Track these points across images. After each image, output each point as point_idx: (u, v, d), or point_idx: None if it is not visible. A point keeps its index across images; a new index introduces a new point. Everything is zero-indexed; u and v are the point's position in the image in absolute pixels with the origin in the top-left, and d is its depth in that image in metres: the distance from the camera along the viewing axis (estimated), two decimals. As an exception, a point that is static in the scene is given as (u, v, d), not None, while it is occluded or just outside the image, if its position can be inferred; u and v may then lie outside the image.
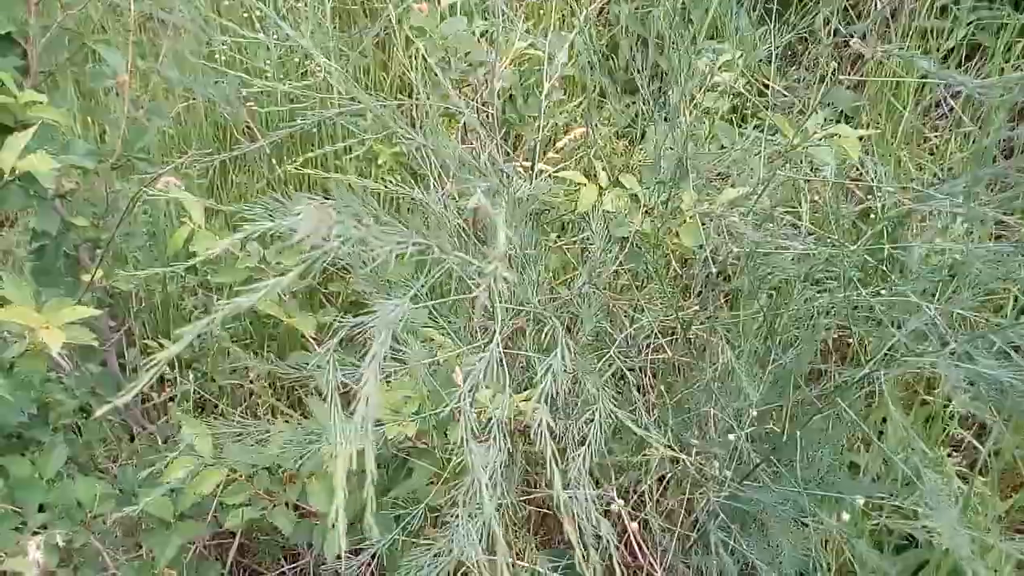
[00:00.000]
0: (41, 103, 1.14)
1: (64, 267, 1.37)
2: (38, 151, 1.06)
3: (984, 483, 1.57)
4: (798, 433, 1.23)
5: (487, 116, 1.43)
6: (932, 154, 2.27)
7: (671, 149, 1.27)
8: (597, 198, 1.27)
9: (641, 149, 2.02)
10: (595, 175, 1.33)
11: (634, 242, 1.29)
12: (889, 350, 1.75)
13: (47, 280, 1.33)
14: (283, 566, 1.58)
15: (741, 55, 1.56)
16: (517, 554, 1.45)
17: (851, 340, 1.97)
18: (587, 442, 0.79)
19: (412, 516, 1.28)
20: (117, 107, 1.42)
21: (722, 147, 1.61)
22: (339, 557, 1.54)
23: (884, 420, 1.73)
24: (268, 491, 1.20)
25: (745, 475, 1.28)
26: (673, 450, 1.18)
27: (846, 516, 1.22)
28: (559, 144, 1.63)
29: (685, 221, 1.27)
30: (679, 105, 1.48)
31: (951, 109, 2.21)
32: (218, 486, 1.17)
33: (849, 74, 2.34)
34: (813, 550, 1.41)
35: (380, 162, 1.88)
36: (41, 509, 1.12)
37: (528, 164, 1.50)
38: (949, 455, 1.67)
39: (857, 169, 2.05)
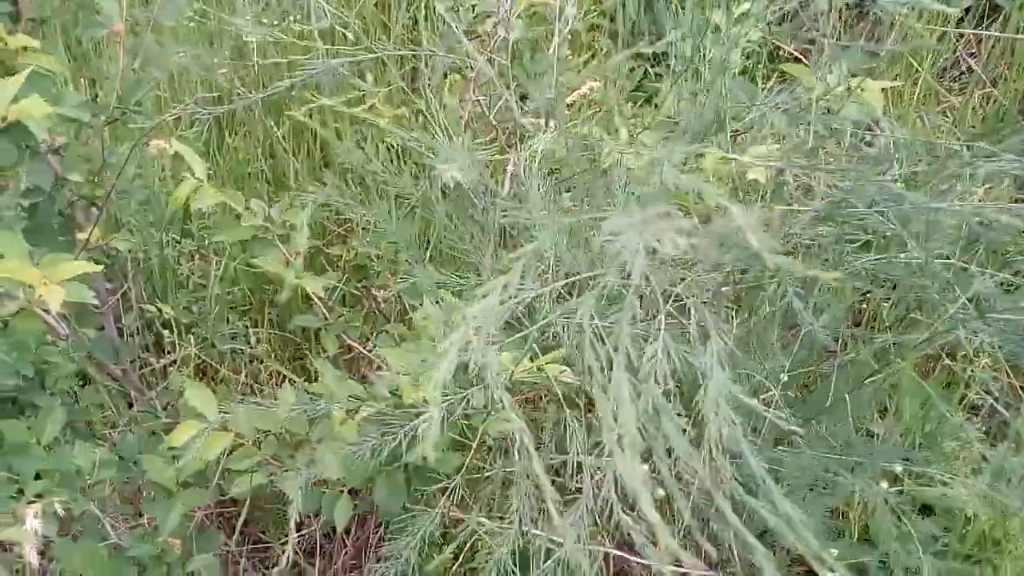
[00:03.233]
0: (35, 49, 1.07)
1: (58, 226, 1.31)
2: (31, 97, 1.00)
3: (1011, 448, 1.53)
4: (829, 395, 1.19)
5: (499, 68, 1.37)
6: (946, 115, 2.22)
7: (700, 101, 1.22)
8: (619, 155, 1.21)
9: (656, 107, 1.96)
10: (615, 131, 1.28)
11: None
12: (911, 316, 1.71)
13: (40, 240, 1.26)
14: (286, 534, 1.54)
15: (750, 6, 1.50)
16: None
17: (863, 307, 1.93)
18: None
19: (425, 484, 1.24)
20: (109, 64, 1.36)
21: (739, 103, 1.56)
22: (347, 531, 1.50)
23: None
24: (275, 457, 1.15)
25: (777, 439, 1.23)
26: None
27: (885, 484, 1.18)
28: (569, 99, 1.58)
29: (709, 179, 1.22)
30: (695, 57, 1.42)
31: (969, 69, 2.15)
32: (223, 452, 1.12)
33: (863, 35, 2.29)
34: (835, 516, 1.37)
35: (382, 124, 1.82)
36: (38, 477, 1.06)
37: (539, 120, 1.44)
38: (968, 419, 1.64)
39: (871, 131, 1.99)
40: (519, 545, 1.13)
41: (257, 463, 1.11)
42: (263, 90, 1.48)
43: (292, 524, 1.13)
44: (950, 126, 2.12)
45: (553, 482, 1.62)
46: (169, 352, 1.65)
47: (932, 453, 1.52)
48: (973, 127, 2.11)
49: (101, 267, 1.04)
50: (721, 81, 1.41)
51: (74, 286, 0.95)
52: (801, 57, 2.30)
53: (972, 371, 1.62)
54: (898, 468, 1.14)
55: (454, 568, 1.33)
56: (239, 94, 2.07)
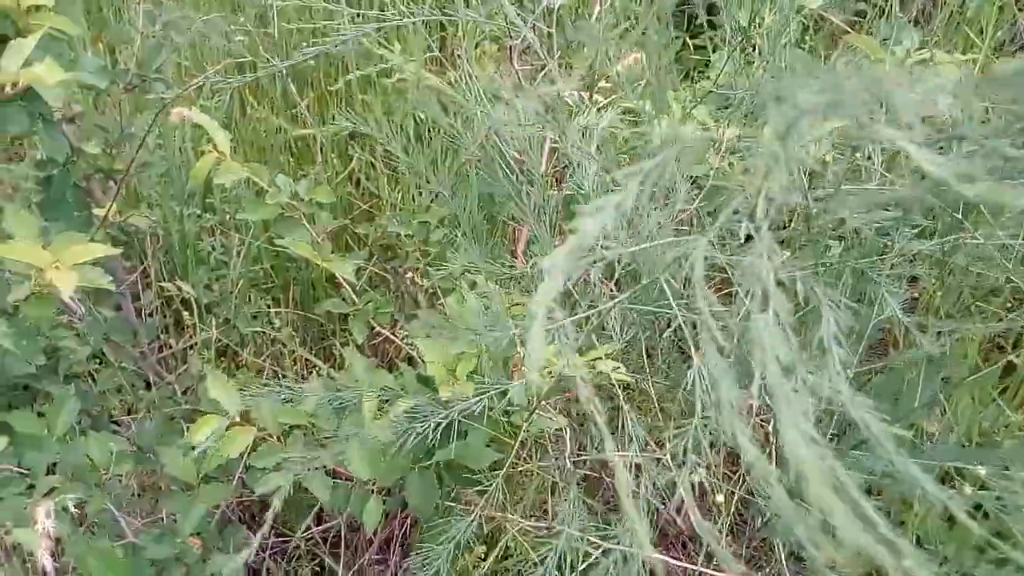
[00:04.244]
0: (47, 9, 0.99)
1: (74, 200, 1.23)
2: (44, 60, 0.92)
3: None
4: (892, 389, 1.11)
5: (544, 36, 1.27)
6: (1001, 93, 2.10)
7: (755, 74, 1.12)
8: (671, 131, 1.12)
9: (694, 81, 1.86)
10: (667, 107, 1.19)
11: (710, 181, 1.15)
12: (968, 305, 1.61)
13: (55, 215, 1.19)
14: (310, 527, 1.47)
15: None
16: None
17: (915, 295, 1.84)
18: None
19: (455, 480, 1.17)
20: (129, 29, 1.28)
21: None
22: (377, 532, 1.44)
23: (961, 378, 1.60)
24: (302, 455, 1.07)
25: (857, 443, 1.15)
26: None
27: (968, 490, 1.09)
28: (616, 70, 1.48)
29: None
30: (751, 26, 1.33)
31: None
32: (247, 448, 1.05)
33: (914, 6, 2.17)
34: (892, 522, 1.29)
35: (410, 96, 1.74)
36: (50, 471, 1.00)
37: (583, 94, 1.35)
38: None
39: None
40: (567, 549, 1.05)
41: (283, 460, 1.04)
42: (289, 58, 1.40)
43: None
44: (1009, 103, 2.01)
45: (594, 479, 1.55)
46: (189, 334, 1.58)
47: (990, 454, 1.43)
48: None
49: (119, 250, 0.97)
50: (779, 52, 1.32)
51: (89, 270, 0.88)
52: (848, 29, 2.18)
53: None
54: (982, 470, 1.05)
55: (485, 568, 1.26)
56: (263, 63, 1.98)
